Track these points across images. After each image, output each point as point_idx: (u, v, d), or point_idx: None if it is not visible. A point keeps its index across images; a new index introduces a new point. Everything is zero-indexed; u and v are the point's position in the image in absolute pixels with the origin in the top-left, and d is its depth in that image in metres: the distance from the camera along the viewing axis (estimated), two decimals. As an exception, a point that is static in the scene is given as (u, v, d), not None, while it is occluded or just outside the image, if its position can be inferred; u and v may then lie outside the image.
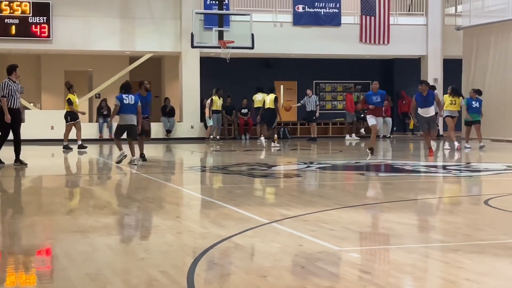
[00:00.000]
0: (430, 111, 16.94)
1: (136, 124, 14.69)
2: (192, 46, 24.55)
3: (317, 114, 25.54)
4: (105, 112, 26.12)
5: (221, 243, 6.26)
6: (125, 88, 14.89)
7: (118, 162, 14.68)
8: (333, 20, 26.69)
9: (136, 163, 14.63)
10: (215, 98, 24.72)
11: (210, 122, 25.37)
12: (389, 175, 13.60)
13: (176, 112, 26.72)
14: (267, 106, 21.88)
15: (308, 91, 25.64)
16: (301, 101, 26.11)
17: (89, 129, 25.63)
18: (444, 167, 14.65)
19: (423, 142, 19.08)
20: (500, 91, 23.95)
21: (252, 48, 24.65)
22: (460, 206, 9.08)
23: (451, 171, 13.48)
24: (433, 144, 16.90)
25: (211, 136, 24.96)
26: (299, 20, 26.47)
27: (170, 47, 25.91)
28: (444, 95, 20.29)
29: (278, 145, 21.61)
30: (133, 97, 14.69)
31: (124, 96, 14.62)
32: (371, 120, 16.83)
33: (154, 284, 4.84)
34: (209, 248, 6.02)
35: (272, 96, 21.91)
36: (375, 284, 4.83)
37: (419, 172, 13.79)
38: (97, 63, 27.98)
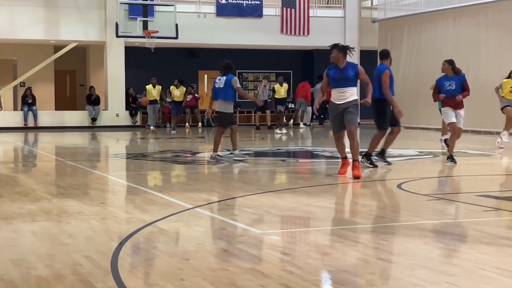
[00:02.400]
0: (348, 95, 10.07)
1: (224, 111, 12.46)
2: (117, 36, 24.22)
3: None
4: (29, 101, 25.54)
5: (145, 228, 6.21)
6: (224, 68, 12.53)
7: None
8: (255, 11, 26.74)
9: (239, 158, 12.50)
10: (148, 87, 23.31)
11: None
12: (309, 161, 13.74)
13: (101, 101, 26.33)
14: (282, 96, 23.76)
15: (265, 81, 25.53)
16: (256, 91, 26.27)
17: (13, 117, 25.02)
18: (360, 153, 14.86)
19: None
20: (414, 82, 24.49)
21: (177, 38, 24.49)
22: (375, 190, 9.24)
23: (367, 157, 13.68)
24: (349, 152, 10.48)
25: (149, 126, 23.87)
26: (222, 11, 26.41)
27: (95, 36, 25.48)
28: (504, 80, 15.04)
29: (281, 132, 21.90)
30: (224, 79, 12.31)
31: (217, 79, 12.50)
32: (447, 115, 11.84)
33: (78, 268, 4.75)
34: (134, 233, 5.96)
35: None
36: (295, 265, 4.87)
37: (337, 158, 13.94)
38: (21, 51, 27.27)
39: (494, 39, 20.81)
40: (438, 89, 11.85)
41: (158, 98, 23.31)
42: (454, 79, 11.75)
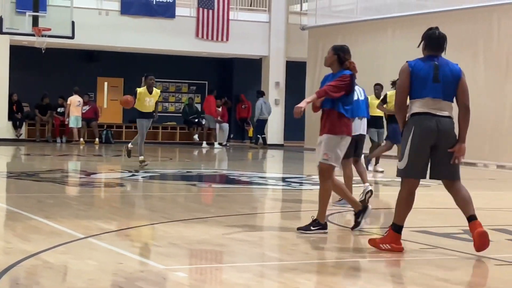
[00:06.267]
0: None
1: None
2: (1, 32, 23.77)
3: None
4: None
5: (26, 260, 6.10)
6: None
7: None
8: (167, 11, 26.73)
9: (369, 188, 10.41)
10: (141, 91, 15.94)
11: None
12: (224, 187, 13.77)
13: (-21, 108, 25.73)
14: (376, 113, 16.07)
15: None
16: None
17: None
18: (283, 179, 15.03)
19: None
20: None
21: (73, 37, 24.18)
22: (299, 221, 9.32)
23: (291, 184, 13.84)
24: None
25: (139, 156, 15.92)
26: (127, 8, 26.27)
27: (-26, 31, 24.90)
28: (389, 92, 15.65)
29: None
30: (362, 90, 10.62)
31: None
32: None
33: None
34: (12, 266, 5.84)
35: None
36: (203, 306, 4.86)
37: (257, 184, 14.05)
38: None
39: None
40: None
41: (153, 109, 16.14)
42: None
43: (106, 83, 29.32)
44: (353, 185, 10.53)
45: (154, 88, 15.99)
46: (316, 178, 14.77)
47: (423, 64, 6.97)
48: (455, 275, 6.26)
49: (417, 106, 6.84)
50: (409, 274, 6.06)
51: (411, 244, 7.53)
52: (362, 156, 11.13)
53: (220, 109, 27.96)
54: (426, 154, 6.79)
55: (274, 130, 28.17)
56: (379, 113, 16.16)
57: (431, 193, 13.04)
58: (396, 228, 6.92)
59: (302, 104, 7.72)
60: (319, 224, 7.86)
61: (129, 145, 16.41)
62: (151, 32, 26.53)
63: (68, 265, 6.12)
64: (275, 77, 28.24)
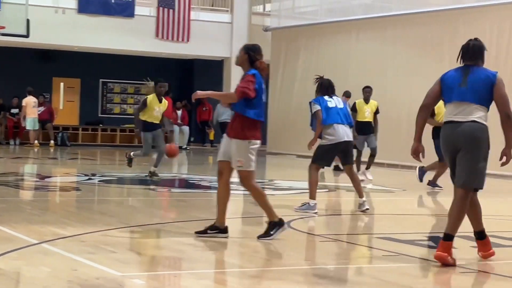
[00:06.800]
0: None
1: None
2: (-47, 30, 23.53)
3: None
4: None
5: (-23, 266, 6.04)
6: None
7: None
8: (126, 10, 26.60)
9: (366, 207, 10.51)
10: (150, 99, 14.50)
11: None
12: (183, 191, 13.75)
13: None
14: (365, 118, 16.25)
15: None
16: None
17: None
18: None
19: None
20: (308, 102, 24.97)
21: (27, 36, 23.99)
22: (260, 226, 9.32)
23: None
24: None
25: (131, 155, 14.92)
26: (85, 7, 26.10)
27: None
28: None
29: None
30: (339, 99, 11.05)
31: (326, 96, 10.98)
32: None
33: None
34: (-38, 273, 5.78)
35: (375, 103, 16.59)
36: (161, 314, 4.85)
37: (217, 188, 14.01)
38: None
39: (403, 56, 21.54)
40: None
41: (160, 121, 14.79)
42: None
43: (62, 84, 29.09)
44: (317, 191, 10.57)
45: (163, 99, 14.64)
46: (278, 183, 14.84)
47: (455, 72, 7.17)
48: (419, 282, 6.31)
49: (445, 115, 7.10)
50: (371, 281, 6.09)
51: (374, 251, 7.57)
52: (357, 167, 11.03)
53: (180, 111, 27.92)
54: (451, 161, 6.97)
55: (236, 134, 28.15)
56: (368, 118, 16.11)
57: (395, 199, 13.13)
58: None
59: (203, 92, 8.15)
60: (274, 224, 7.84)
61: (132, 154, 14.93)
62: (109, 31, 26.38)
63: (21, 271, 6.07)
64: (237, 79, 27.81)
